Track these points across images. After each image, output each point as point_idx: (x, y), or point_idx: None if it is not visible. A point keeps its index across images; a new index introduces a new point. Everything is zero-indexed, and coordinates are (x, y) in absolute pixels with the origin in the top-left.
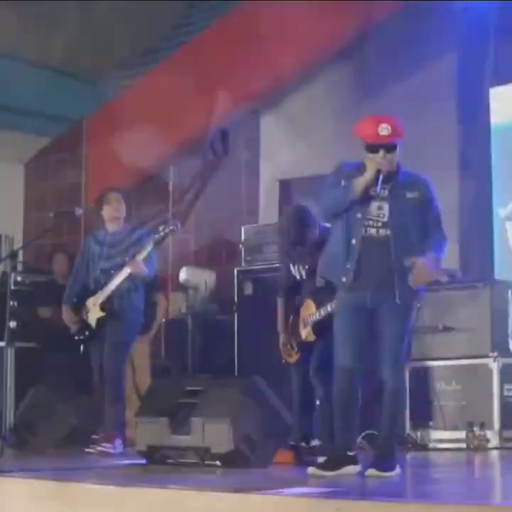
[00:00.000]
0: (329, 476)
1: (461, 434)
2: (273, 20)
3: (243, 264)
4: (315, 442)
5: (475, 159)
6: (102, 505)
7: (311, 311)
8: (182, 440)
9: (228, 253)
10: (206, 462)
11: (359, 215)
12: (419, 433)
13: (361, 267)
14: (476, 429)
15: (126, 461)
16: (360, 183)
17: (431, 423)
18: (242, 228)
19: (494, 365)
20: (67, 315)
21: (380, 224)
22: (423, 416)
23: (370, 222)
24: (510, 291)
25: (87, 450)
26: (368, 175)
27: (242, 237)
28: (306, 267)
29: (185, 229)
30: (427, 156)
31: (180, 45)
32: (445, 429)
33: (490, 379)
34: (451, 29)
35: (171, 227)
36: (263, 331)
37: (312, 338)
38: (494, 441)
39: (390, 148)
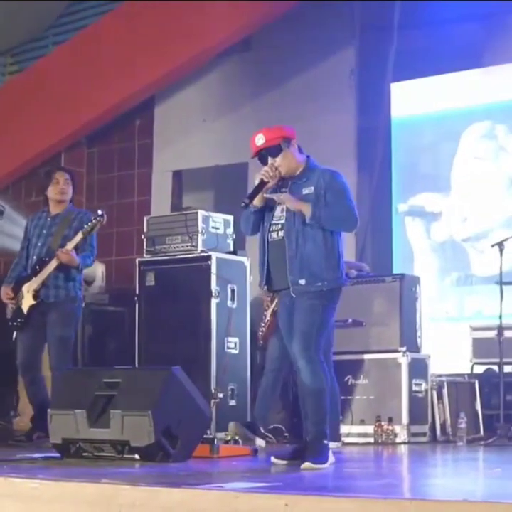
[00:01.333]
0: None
1: (369, 429)
2: (170, 11)
3: (145, 255)
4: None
5: (375, 154)
6: (27, 500)
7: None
8: (100, 433)
9: (123, 243)
10: (124, 456)
11: (266, 223)
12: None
13: (270, 272)
14: (384, 423)
15: (38, 455)
16: (252, 195)
17: (339, 417)
18: (145, 218)
19: (403, 360)
20: (4, 293)
21: (279, 227)
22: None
23: (273, 227)
24: (418, 286)
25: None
26: (255, 185)
27: (145, 228)
28: None
29: None
30: (325, 150)
31: (73, 31)
32: (353, 423)
33: (399, 374)
34: (350, 23)
35: (98, 218)
36: (165, 323)
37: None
38: (402, 435)
39: (271, 153)
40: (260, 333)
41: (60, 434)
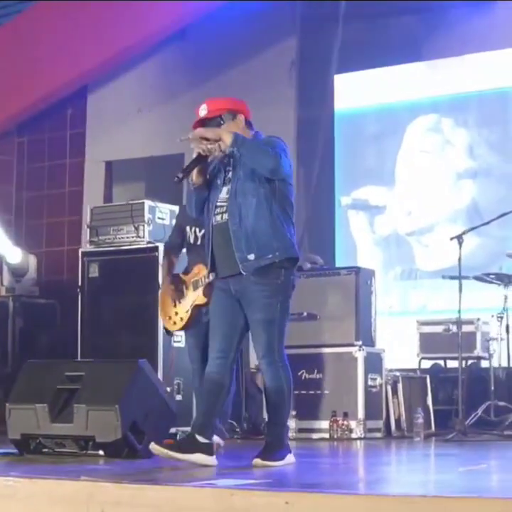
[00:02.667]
0: (177, 458)
1: (324, 424)
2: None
3: (88, 246)
4: None
5: (316, 146)
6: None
7: (203, 274)
8: (62, 428)
9: (54, 234)
10: (88, 452)
11: (210, 205)
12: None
13: (214, 257)
14: (339, 418)
15: None
16: (187, 169)
17: (293, 412)
18: (88, 208)
19: (359, 354)
20: None
21: (224, 209)
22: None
23: (218, 210)
24: (373, 279)
25: None
26: (192, 161)
27: (88, 218)
28: (203, 231)
29: (6, 209)
30: None
31: (5, 17)
32: (306, 418)
33: (354, 368)
34: (291, 15)
35: None
36: (110, 315)
37: (203, 300)
38: (358, 431)
39: (212, 125)
40: (172, 322)
41: (19, 429)
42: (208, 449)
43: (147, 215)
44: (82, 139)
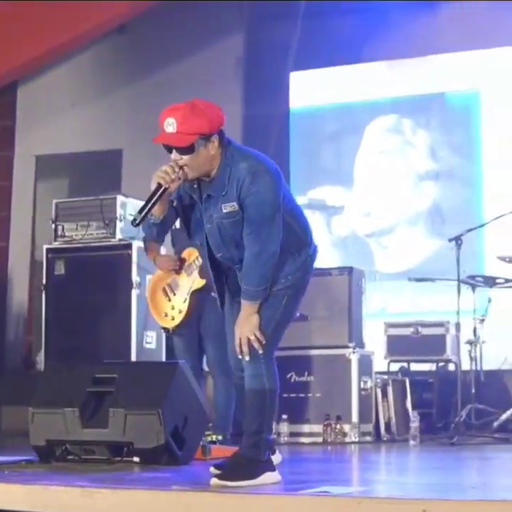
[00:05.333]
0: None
1: (315, 428)
2: None
3: (54, 242)
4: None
5: (268, 144)
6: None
7: (194, 256)
8: (95, 434)
9: None
10: (124, 459)
11: (199, 244)
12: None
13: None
14: (332, 422)
15: (15, 458)
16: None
17: (283, 416)
18: (54, 202)
19: (353, 356)
20: None
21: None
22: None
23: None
24: (364, 279)
25: None
26: (152, 191)
27: (53, 213)
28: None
29: None
30: None
31: None
32: (298, 422)
33: (348, 371)
34: (238, 11)
35: None
36: (77, 314)
37: (200, 283)
38: (352, 435)
39: (180, 151)
40: (170, 318)
41: (44, 435)
42: (271, 465)
43: (119, 211)
44: (11, 132)
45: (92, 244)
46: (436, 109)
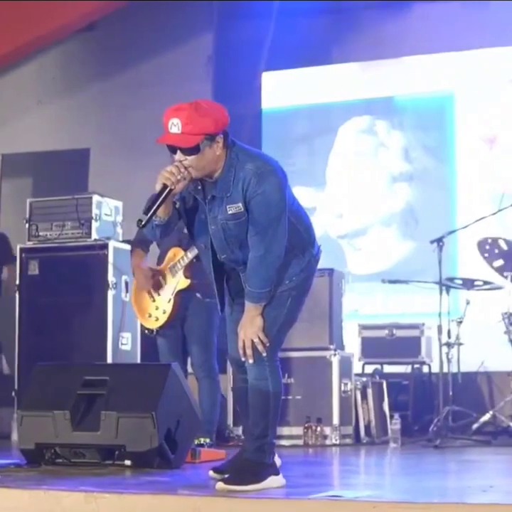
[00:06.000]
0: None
1: (295, 430)
2: None
3: (28, 242)
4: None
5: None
6: None
7: (180, 256)
8: (86, 437)
9: None
10: (115, 462)
11: (202, 246)
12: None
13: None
14: (313, 424)
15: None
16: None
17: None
18: (28, 201)
19: (334, 359)
20: None
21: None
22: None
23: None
24: (344, 281)
25: None
26: (157, 192)
27: (27, 212)
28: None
29: None
30: None
31: None
32: (279, 424)
33: (329, 373)
34: (208, 10)
35: None
36: (51, 315)
37: (186, 283)
38: (333, 437)
39: (184, 151)
40: (154, 319)
41: (33, 438)
42: (275, 469)
43: (95, 211)
44: None
45: (67, 244)
46: (410, 111)
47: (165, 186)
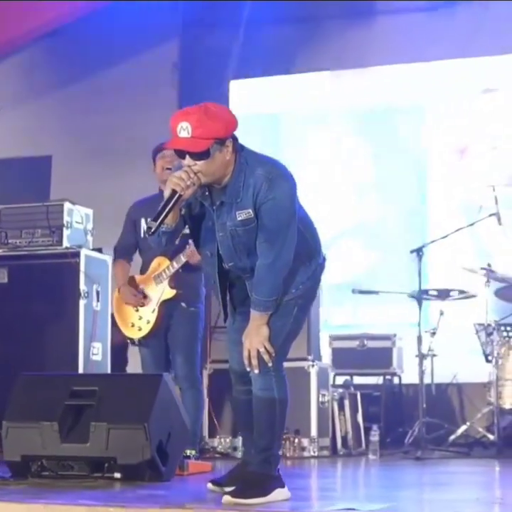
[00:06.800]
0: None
1: None
2: None
3: None
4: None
5: None
6: None
7: (165, 265)
8: (74, 449)
9: None
10: (105, 475)
11: (208, 254)
12: (222, 440)
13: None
14: (291, 436)
15: None
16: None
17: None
18: None
19: (312, 369)
20: None
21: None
22: (228, 422)
23: (221, 233)
24: (321, 291)
25: None
26: (166, 198)
27: None
28: None
29: None
30: (142, 145)
31: None
32: None
33: (307, 384)
34: (173, 17)
35: None
36: (21, 325)
37: (171, 294)
38: (311, 449)
39: (193, 156)
40: (137, 329)
41: (19, 450)
42: (281, 481)
43: (66, 218)
44: None
45: (38, 252)
46: (378, 121)
47: (174, 192)
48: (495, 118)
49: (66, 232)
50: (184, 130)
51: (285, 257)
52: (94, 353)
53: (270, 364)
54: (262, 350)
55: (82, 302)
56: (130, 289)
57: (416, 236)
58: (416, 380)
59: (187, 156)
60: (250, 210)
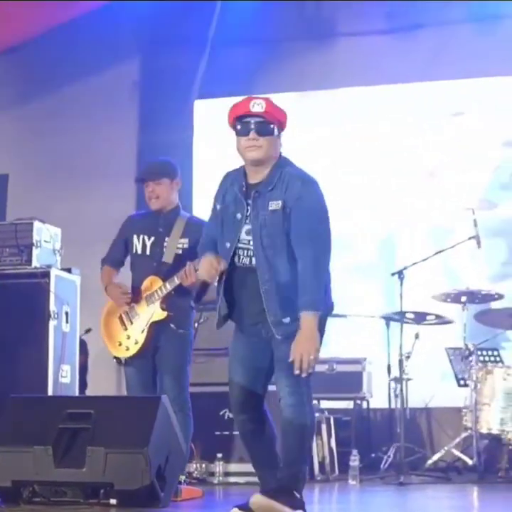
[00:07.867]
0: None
1: (251, 467)
2: None
3: None
4: None
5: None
6: None
7: (157, 286)
8: (69, 474)
9: None
10: (101, 501)
11: (227, 243)
12: (198, 466)
13: (235, 299)
14: None
15: None
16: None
17: (218, 455)
18: None
19: None
20: None
21: (247, 253)
22: (210, 447)
23: (240, 251)
24: None
25: None
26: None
27: None
28: (152, 238)
29: None
30: (102, 162)
31: None
32: (234, 461)
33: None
34: (133, 35)
35: None
36: None
37: (162, 315)
38: None
39: (261, 128)
40: (125, 348)
41: (9, 475)
42: (303, 505)
43: (35, 237)
44: None
45: (6, 272)
46: (346, 143)
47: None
48: (463, 141)
49: (35, 252)
50: (258, 105)
51: (328, 250)
52: (63, 376)
53: (304, 375)
54: (311, 358)
55: (51, 323)
56: (117, 287)
57: (388, 257)
58: (385, 405)
59: (251, 132)
60: (280, 202)
